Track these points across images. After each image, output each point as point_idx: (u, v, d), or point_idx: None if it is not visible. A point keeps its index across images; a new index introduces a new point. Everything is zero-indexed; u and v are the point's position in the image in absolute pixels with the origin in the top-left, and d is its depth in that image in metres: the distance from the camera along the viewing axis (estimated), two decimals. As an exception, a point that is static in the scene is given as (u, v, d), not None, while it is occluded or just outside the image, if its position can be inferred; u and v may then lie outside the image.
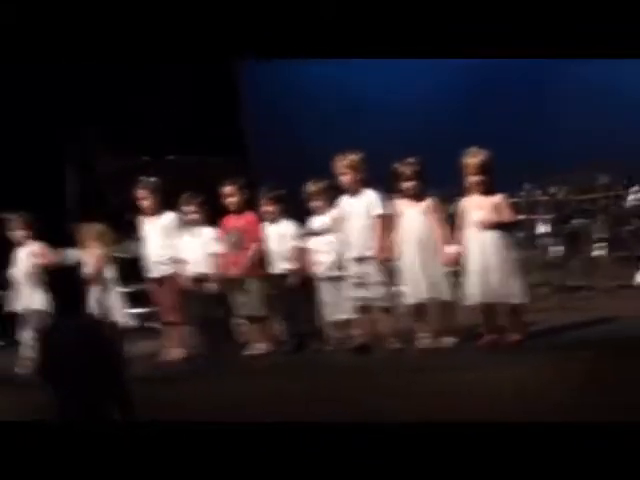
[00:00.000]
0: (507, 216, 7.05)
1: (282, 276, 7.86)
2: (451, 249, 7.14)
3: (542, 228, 9.67)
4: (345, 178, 7.47)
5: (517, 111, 11.50)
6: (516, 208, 9.24)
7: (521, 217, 9.21)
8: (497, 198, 7.05)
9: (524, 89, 11.78)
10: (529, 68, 11.22)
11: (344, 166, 7.46)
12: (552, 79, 11.60)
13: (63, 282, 4.85)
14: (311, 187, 7.80)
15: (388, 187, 7.47)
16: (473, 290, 6.97)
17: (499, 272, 6.89)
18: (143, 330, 8.80)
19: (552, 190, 9.80)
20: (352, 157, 7.45)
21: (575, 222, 9.74)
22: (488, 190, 7.02)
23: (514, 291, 6.91)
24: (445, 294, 7.17)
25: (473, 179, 7.02)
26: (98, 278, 7.68)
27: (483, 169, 6.99)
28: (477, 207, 7.02)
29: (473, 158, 7.00)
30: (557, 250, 9.56)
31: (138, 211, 8.29)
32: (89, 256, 7.61)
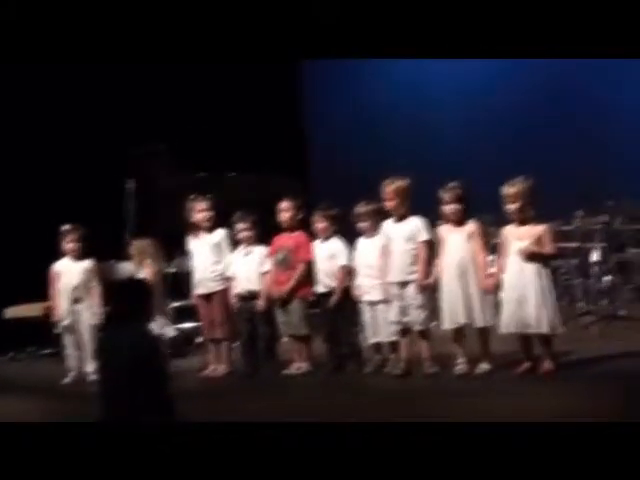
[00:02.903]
0: (548, 248, 6.98)
1: (325, 295, 7.90)
2: (490, 277, 7.12)
3: (595, 256, 9.54)
4: (390, 204, 7.51)
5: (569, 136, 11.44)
6: (568, 236, 9.21)
7: (572, 245, 9.16)
8: (540, 229, 7.00)
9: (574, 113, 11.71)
10: (575, 92, 11.16)
11: (391, 192, 7.50)
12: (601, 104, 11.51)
13: (131, 292, 5.02)
14: (360, 208, 7.82)
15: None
16: (507, 319, 6.95)
17: (533, 302, 6.86)
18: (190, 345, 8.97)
19: (605, 218, 9.64)
20: (398, 183, 7.49)
21: (628, 251, 9.61)
22: (527, 219, 6.98)
23: (545, 322, 6.86)
24: (480, 321, 7.14)
25: (509, 207, 7.00)
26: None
27: (517, 198, 6.94)
28: (518, 236, 6.99)
29: (510, 188, 6.97)
30: (607, 279, 9.43)
31: (189, 228, 8.41)
32: (145, 271, 7.69)
